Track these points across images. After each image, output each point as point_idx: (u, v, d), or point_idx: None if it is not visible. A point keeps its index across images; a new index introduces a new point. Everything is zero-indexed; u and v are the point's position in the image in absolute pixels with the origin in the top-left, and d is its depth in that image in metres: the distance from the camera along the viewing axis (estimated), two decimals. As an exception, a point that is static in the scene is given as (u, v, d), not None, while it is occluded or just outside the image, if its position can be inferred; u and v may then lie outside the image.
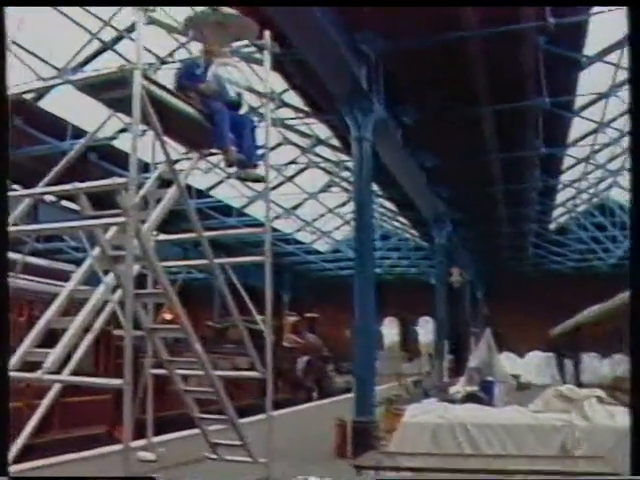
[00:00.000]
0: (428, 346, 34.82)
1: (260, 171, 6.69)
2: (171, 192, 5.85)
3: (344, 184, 24.43)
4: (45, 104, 15.99)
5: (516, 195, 23.12)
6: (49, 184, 5.71)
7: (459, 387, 12.57)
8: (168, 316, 7.06)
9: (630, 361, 3.26)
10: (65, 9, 12.92)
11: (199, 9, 6.19)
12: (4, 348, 3.29)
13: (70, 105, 14.92)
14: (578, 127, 18.55)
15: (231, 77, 7.14)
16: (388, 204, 27.43)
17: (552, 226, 31.03)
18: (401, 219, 30.70)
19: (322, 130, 19.33)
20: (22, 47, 12.88)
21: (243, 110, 7.16)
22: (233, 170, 6.80)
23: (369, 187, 12.62)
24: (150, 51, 6.41)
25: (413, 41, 11.82)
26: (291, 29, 9.83)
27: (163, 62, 6.74)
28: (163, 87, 5.47)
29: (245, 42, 6.98)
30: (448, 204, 22.58)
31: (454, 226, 24.01)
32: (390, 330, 40.99)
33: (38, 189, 5.74)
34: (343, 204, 28.10)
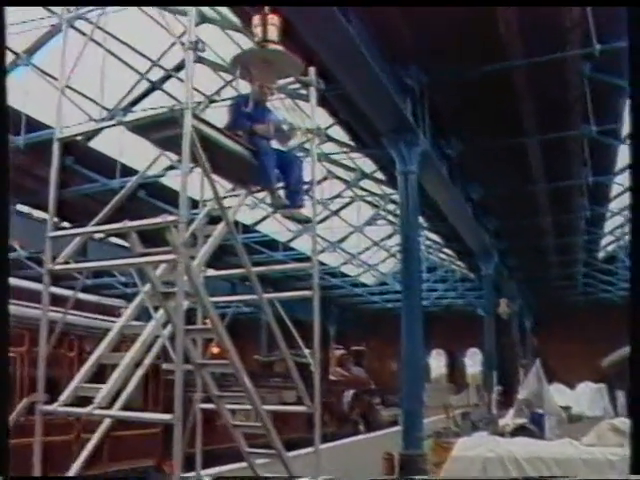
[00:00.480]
0: (476, 378, 34.37)
1: (306, 211, 6.73)
2: (219, 229, 5.91)
3: (390, 217, 24.44)
4: (94, 143, 16.38)
5: (564, 224, 22.85)
6: (100, 222, 5.82)
7: (508, 419, 12.39)
8: (216, 350, 7.10)
9: (630, 361, 3.30)
10: (115, 49, 13.32)
11: (246, 48, 6.32)
12: (4, 348, 3.32)
13: (119, 144, 15.33)
14: (625, 154, 18.32)
15: (278, 114, 7.23)
16: (434, 236, 27.33)
17: (601, 255, 30.52)
18: (447, 251, 30.54)
19: (367, 164, 19.45)
20: (73, 89, 13.27)
21: (291, 143, 7.26)
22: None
23: (415, 220, 12.65)
24: (197, 90, 6.51)
25: (457, 73, 11.86)
26: (336, 65, 10.00)
27: (211, 101, 6.84)
28: (212, 126, 5.55)
29: (291, 79, 7.03)
30: (495, 235, 22.42)
31: (501, 257, 23.80)
32: (437, 362, 40.60)
33: (90, 228, 5.84)
34: (389, 236, 28.09)
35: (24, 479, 5.42)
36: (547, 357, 23.39)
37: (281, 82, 6.87)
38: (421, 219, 20.35)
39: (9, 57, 13.34)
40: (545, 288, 33.28)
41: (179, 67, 13.97)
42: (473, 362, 38.71)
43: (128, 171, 15.96)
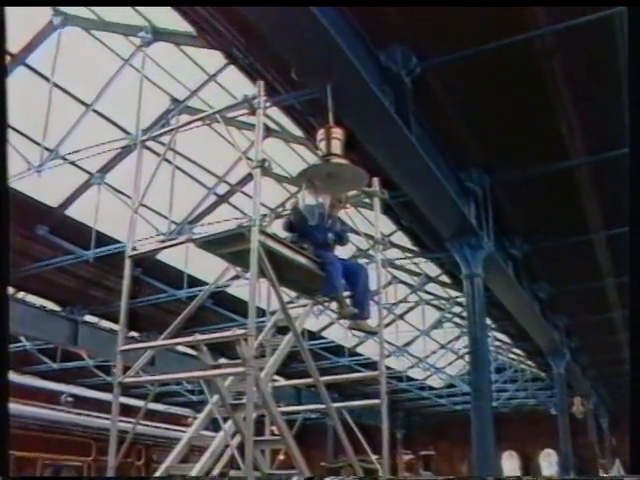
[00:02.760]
0: (553, 480, 32.83)
1: (372, 321, 6.76)
2: (287, 340, 5.98)
3: (456, 319, 24.19)
4: (161, 255, 16.83)
5: (636, 319, 22.14)
6: (170, 333, 5.92)
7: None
8: (282, 457, 7.03)
9: (630, 361, 3.22)
10: (184, 166, 13.95)
11: (310, 160, 6.61)
12: (4, 347, 3.33)
13: (184, 255, 15.83)
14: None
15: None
16: (502, 336, 26.82)
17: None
18: (516, 350, 29.85)
19: (431, 268, 19.46)
20: (144, 204, 13.84)
21: (349, 250, 7.41)
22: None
23: (482, 321, 12.48)
24: (263, 204, 6.84)
25: (521, 174, 11.92)
26: (399, 174, 10.19)
27: (277, 216, 7.07)
28: (278, 240, 5.72)
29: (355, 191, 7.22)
30: (565, 332, 21.87)
31: (573, 354, 23.13)
32: (510, 464, 39.02)
33: (162, 342, 5.97)
34: (456, 339, 27.66)
35: (24, 479, 5.42)
36: (627, 456, 22.23)
37: (348, 194, 7.08)
38: (488, 320, 20.06)
39: (84, 176, 14.03)
40: (621, 385, 32.02)
41: (244, 180, 14.58)
42: (548, 463, 37.07)
43: (194, 281, 16.32)
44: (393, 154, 9.71)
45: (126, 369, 5.92)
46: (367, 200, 7.65)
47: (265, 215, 7.08)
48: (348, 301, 6.54)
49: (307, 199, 6.73)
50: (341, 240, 6.82)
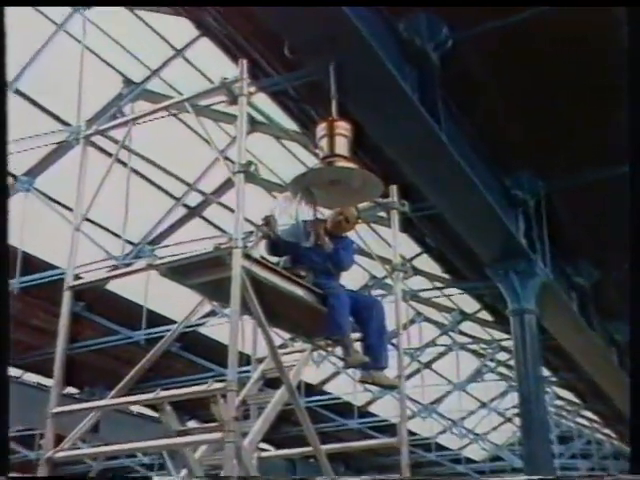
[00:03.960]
0: None
1: (390, 371, 6.84)
2: (278, 395, 6.05)
3: (501, 369, 24.22)
4: (113, 284, 16.80)
5: None
6: (123, 388, 5.98)
7: None
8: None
9: (630, 360, 3.86)
10: (139, 166, 14.05)
11: (310, 166, 6.73)
12: (4, 346, 3.57)
13: (144, 284, 15.88)
14: None
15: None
16: (566, 393, 26.81)
17: None
18: (588, 414, 29.78)
19: (467, 301, 19.58)
20: (89, 219, 13.94)
21: (360, 279, 7.53)
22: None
23: (537, 372, 12.52)
24: (248, 219, 6.65)
25: (584, 177, 11.85)
26: (424, 181, 10.34)
27: (266, 235, 7.16)
28: (267, 266, 5.80)
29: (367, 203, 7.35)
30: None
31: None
32: None
33: (111, 401, 6.02)
34: (502, 395, 27.66)
35: (24, 479, 5.56)
36: None
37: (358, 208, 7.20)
38: (545, 371, 20.12)
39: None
40: None
41: (223, 188, 14.78)
42: None
43: (155, 319, 16.40)
44: (416, 155, 9.90)
45: (59, 440, 5.80)
46: (382, 214, 7.79)
47: (250, 233, 7.17)
48: (358, 345, 6.62)
49: (303, 213, 6.84)
50: (341, 264, 6.90)
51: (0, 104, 4.05)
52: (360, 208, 7.23)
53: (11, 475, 4.16)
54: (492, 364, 24.39)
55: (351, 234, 7.34)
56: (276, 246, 6.73)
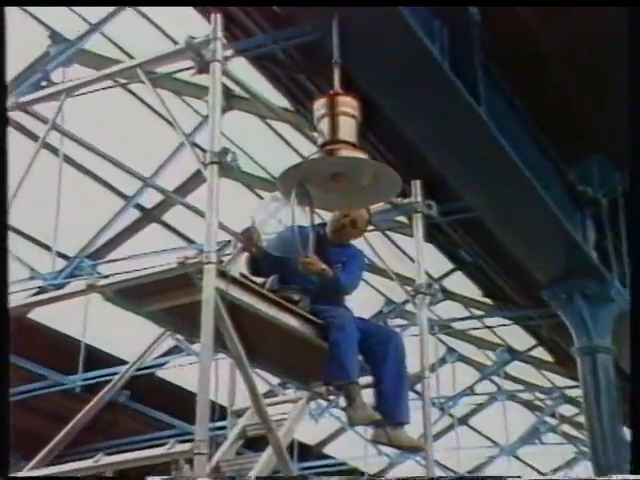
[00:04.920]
0: None
1: (413, 428, 6.85)
2: (263, 460, 6.07)
3: (566, 427, 24.16)
4: (36, 313, 16.65)
5: None
6: (50, 453, 6.02)
7: None
8: None
9: (630, 359, 4.48)
10: (74, 153, 14.05)
11: (309, 155, 6.64)
12: (4, 348, 4.07)
13: (82, 312, 15.83)
14: None
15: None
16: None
17: None
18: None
19: (516, 335, 19.58)
20: (9, 227, 13.95)
21: (372, 303, 7.55)
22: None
23: (616, 433, 12.50)
24: (223, 226, 6.49)
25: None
26: (456, 175, 10.36)
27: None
28: (248, 287, 5.83)
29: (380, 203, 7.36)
30: None
31: None
32: None
33: (32, 472, 6.04)
34: (567, 464, 27.51)
35: (24, 479, 5.71)
36: None
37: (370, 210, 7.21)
38: (625, 430, 20.10)
39: None
40: None
41: (189, 184, 14.72)
42: None
43: (97, 359, 16.41)
44: (446, 139, 9.98)
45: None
46: (402, 219, 7.85)
47: (227, 243, 7.21)
48: (369, 393, 6.68)
49: (297, 217, 6.83)
50: (345, 283, 6.90)
51: (0, 104, 4.43)
52: (372, 210, 7.23)
53: (11, 475, 4.64)
54: (553, 421, 24.31)
55: (359, 243, 7.37)
56: (260, 262, 6.76)
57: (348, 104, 6.56)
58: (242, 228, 6.87)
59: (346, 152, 6.37)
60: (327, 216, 7.11)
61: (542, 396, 22.87)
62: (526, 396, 22.96)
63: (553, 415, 23.81)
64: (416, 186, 7.37)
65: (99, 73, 7.09)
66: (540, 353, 20.00)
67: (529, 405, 23.64)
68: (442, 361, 20.55)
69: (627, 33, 4.73)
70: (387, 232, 12.76)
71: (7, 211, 4.70)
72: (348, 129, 6.44)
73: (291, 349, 6.40)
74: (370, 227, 7.38)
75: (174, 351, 16.68)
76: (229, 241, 7.12)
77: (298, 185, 6.39)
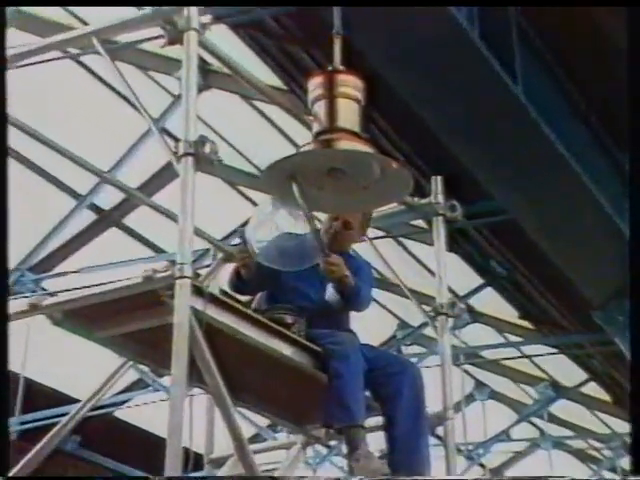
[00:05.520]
0: None
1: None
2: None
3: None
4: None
5: None
6: None
7: None
8: None
9: (631, 357, 4.97)
10: (21, 147, 14.13)
11: (301, 146, 6.54)
12: (4, 348, 4.22)
13: (23, 338, 15.89)
14: None
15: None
16: None
17: None
18: None
19: (563, 367, 19.63)
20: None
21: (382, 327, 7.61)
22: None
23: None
24: (199, 232, 6.48)
25: None
26: (487, 170, 10.45)
27: (229, 257, 7.22)
28: (230, 306, 5.89)
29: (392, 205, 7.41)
30: None
31: None
32: None
33: None
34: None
35: (24, 479, 5.93)
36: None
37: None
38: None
39: None
40: None
41: (157, 180, 14.83)
42: None
43: (40, 397, 16.48)
44: (475, 125, 10.10)
45: None
46: (418, 222, 7.91)
47: (205, 252, 7.27)
48: (378, 440, 6.75)
49: (286, 221, 6.88)
50: (350, 301, 6.92)
51: (0, 104, 4.63)
52: (383, 212, 7.28)
53: (11, 475, 5.10)
54: (613, 476, 24.20)
55: (366, 253, 7.42)
56: (240, 278, 6.81)
57: (350, 84, 6.42)
58: (237, 243, 6.91)
59: (346, 143, 6.26)
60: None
61: (598, 444, 22.83)
62: (576, 444, 22.93)
63: (613, 469, 23.76)
64: (436, 183, 7.40)
65: (44, 41, 7.17)
66: (593, 390, 19.99)
67: (580, 455, 23.60)
68: (470, 398, 20.57)
69: (627, 33, 5.30)
70: (401, 239, 12.83)
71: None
72: (350, 114, 6.27)
73: (283, 383, 6.44)
74: (379, 231, 7.42)
75: (137, 386, 16.72)
76: (207, 250, 7.16)
77: (288, 181, 6.31)
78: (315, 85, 6.50)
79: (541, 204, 11.35)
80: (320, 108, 6.39)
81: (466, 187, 9.66)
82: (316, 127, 6.36)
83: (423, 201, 7.34)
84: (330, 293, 6.80)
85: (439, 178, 7.42)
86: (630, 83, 5.24)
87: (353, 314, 7.25)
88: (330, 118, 6.33)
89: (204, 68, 11.88)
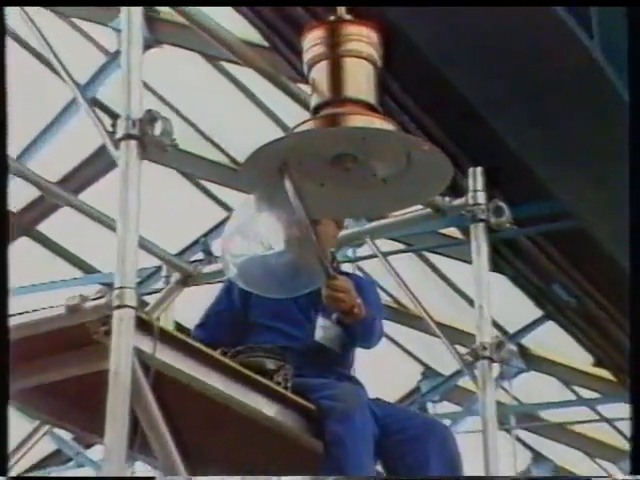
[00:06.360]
0: None
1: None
2: None
3: None
4: None
5: None
6: None
7: None
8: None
9: (631, 357, 5.76)
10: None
11: (294, 126, 6.32)
12: (4, 348, 4.58)
13: None
14: None
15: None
16: None
17: None
18: None
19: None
20: None
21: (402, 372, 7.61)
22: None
23: None
24: (150, 249, 6.55)
25: None
26: (547, 155, 10.46)
27: (187, 276, 7.23)
28: (189, 346, 5.89)
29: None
30: None
31: None
32: None
33: None
34: None
35: (24, 479, 6.30)
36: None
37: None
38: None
39: None
40: None
41: (90, 169, 14.66)
42: None
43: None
44: (532, 96, 10.04)
45: None
46: (450, 231, 7.90)
47: (156, 271, 7.29)
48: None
49: (273, 230, 6.88)
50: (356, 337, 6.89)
51: (0, 104, 5.13)
52: (399, 216, 7.26)
53: (11, 475, 5.56)
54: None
55: (377, 272, 7.43)
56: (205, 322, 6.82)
57: (363, 38, 6.20)
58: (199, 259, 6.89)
59: (358, 119, 6.08)
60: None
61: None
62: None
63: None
64: (476, 177, 7.38)
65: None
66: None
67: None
68: (526, 474, 20.59)
69: (627, 33, 6.13)
70: (426, 254, 12.77)
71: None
72: (362, 81, 6.09)
73: (262, 452, 6.47)
74: (397, 243, 7.39)
75: (55, 460, 16.73)
76: (158, 269, 7.14)
77: (277, 174, 6.21)
78: (313, 41, 6.26)
79: (622, 206, 11.34)
80: (320, 72, 6.18)
81: (515, 183, 9.64)
82: (315, 99, 6.17)
83: (457, 202, 7.28)
84: (324, 329, 6.76)
85: (479, 170, 7.36)
86: (631, 83, 6.22)
87: (359, 354, 7.19)
88: (335, 86, 6.12)
89: (152, 16, 11.77)
